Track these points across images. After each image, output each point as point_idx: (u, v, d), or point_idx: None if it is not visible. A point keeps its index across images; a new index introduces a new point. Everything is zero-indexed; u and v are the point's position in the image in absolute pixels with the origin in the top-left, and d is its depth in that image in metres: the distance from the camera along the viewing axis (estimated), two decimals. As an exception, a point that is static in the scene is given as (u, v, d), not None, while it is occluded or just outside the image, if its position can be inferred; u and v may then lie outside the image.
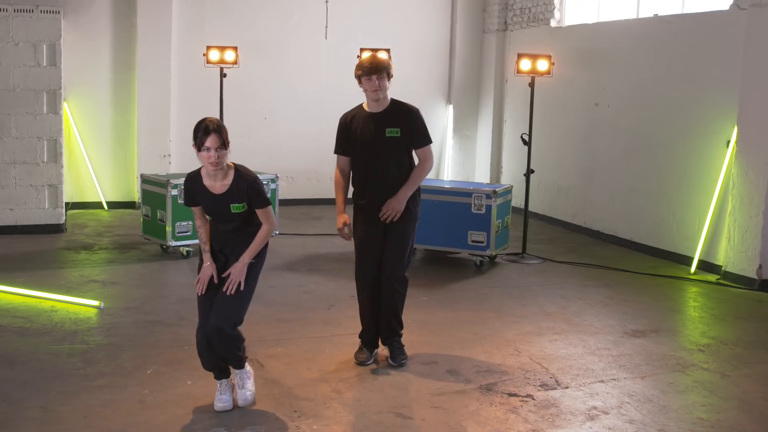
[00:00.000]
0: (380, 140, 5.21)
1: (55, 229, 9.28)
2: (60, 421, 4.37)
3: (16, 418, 4.39)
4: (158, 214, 8.26)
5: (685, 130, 8.67)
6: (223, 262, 4.60)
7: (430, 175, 12.21)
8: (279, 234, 9.03)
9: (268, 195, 8.56)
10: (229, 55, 9.75)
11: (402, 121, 5.23)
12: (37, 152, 9.18)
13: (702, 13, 8.56)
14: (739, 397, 5.03)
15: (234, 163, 4.52)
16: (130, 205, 11.09)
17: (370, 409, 4.66)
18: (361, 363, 5.32)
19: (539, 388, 5.06)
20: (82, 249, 8.58)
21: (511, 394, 4.94)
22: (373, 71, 5.12)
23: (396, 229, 5.26)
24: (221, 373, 4.62)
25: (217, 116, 9.95)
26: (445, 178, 12.50)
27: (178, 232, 8.18)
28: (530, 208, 9.45)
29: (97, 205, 10.96)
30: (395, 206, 5.20)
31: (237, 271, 4.47)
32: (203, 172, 4.51)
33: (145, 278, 7.57)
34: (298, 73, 11.76)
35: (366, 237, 5.30)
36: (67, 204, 10.15)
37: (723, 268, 8.01)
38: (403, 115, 5.25)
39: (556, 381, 5.19)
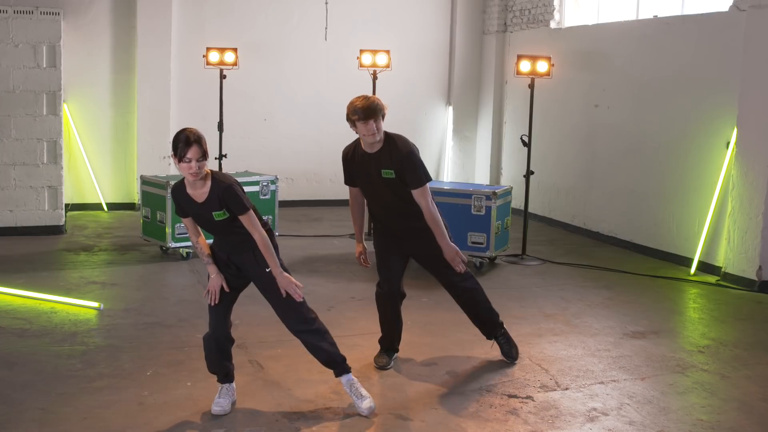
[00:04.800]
0: (377, 180, 5.15)
1: (55, 230, 9.28)
2: (60, 422, 4.37)
3: (16, 419, 4.39)
4: (158, 215, 8.26)
5: (684, 132, 8.68)
6: (235, 270, 4.56)
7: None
8: (279, 235, 9.01)
9: (267, 197, 8.76)
10: (229, 57, 9.74)
11: (394, 163, 5.08)
12: (36, 154, 9.18)
13: (702, 14, 8.56)
14: (739, 399, 5.03)
15: (211, 171, 4.41)
16: (129, 206, 11.08)
17: (370, 411, 4.66)
18: (381, 367, 5.37)
19: (539, 389, 5.06)
20: (81, 250, 8.58)
21: (510, 396, 4.95)
22: (370, 116, 4.90)
23: (428, 246, 5.19)
24: (226, 378, 4.66)
25: (217, 117, 10.00)
26: (444, 180, 12.49)
27: (178, 234, 8.17)
28: (530, 210, 9.45)
29: (97, 207, 10.96)
30: (450, 257, 5.13)
31: (284, 283, 4.42)
32: (186, 183, 4.44)
33: (145, 280, 7.56)
34: (297, 75, 11.77)
35: (386, 250, 5.33)
36: (66, 205, 10.15)
37: (723, 270, 8.01)
38: (395, 157, 5.07)
39: (556, 382, 5.19)
